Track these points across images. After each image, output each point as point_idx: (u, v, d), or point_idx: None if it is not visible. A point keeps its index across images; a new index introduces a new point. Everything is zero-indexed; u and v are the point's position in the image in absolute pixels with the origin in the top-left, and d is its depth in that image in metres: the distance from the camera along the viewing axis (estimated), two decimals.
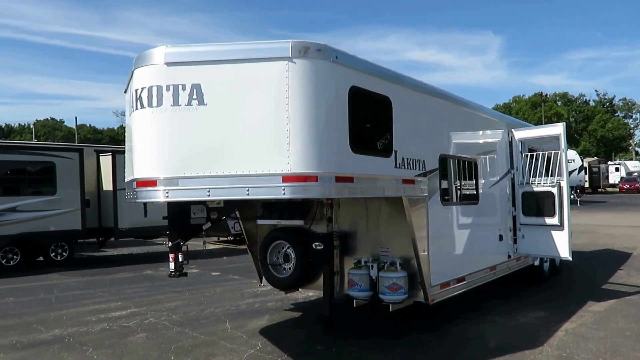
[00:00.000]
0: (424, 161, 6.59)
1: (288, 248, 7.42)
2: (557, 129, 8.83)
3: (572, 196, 34.43)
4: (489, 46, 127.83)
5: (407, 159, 6.25)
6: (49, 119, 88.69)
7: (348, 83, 5.25)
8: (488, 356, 6.03)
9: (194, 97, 4.90)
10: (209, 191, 4.88)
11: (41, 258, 14.31)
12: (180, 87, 4.92)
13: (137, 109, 5.14)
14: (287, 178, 4.80)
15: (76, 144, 22.62)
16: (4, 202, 13.23)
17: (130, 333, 7.16)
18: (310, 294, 9.13)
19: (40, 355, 6.26)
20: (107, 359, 6.11)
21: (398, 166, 6.05)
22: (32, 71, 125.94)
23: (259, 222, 7.69)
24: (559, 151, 8.77)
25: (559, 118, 75.09)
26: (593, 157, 57.34)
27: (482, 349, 6.31)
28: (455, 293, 7.29)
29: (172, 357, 6.10)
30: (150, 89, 5.02)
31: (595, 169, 49.58)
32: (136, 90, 5.14)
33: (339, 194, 5.20)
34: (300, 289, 7.89)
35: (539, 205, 8.93)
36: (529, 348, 6.31)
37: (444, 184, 7.11)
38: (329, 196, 5.15)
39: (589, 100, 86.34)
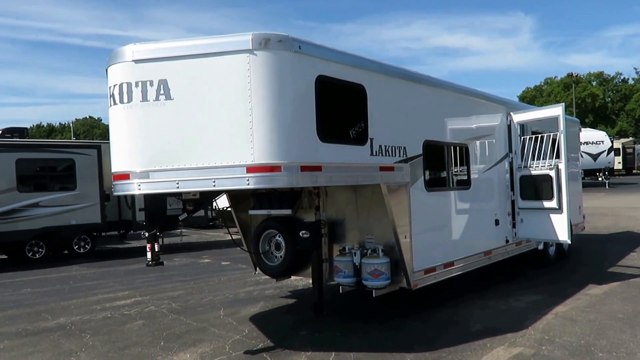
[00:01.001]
0: (404, 148, 6.62)
1: (278, 237, 7.58)
2: (556, 111, 8.68)
3: (600, 178, 33.58)
4: (520, 27, 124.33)
5: (386, 147, 6.30)
6: (88, 117, 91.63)
7: (314, 72, 5.33)
8: (468, 339, 6.06)
9: (161, 92, 5.08)
10: (177, 183, 5.06)
11: (66, 251, 14.95)
12: (148, 83, 5.11)
13: (111, 105, 5.36)
14: (251, 169, 4.94)
15: (95, 140, 23.30)
16: (27, 198, 13.81)
17: (129, 320, 7.47)
18: (310, 281, 9.27)
19: (40, 342, 6.61)
20: (102, 344, 6.41)
21: (375, 154, 6.10)
22: (71, 72, 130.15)
23: (251, 212, 7.83)
24: (558, 133, 8.62)
25: (593, 99, 72.77)
26: (629, 137, 55.41)
27: (463, 333, 6.35)
28: (443, 278, 7.32)
29: (162, 343, 6.36)
30: (121, 86, 5.22)
31: (629, 150, 48.06)
32: (110, 88, 5.36)
33: (306, 183, 5.32)
34: (292, 277, 8.03)
35: (537, 188, 8.83)
36: (512, 331, 6.32)
37: (429, 170, 7.13)
38: (295, 185, 5.25)
39: (627, 79, 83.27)
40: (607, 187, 33.36)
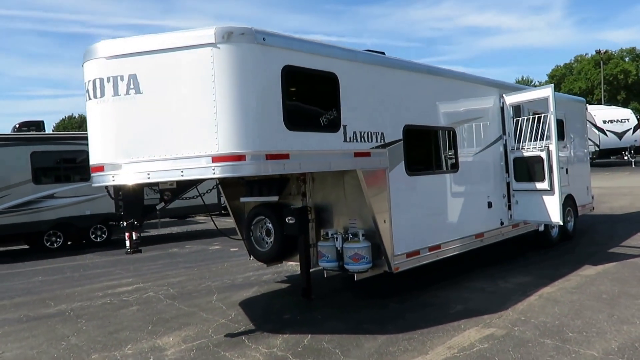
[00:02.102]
0: (382, 133, 6.69)
1: (268, 223, 7.76)
2: (546, 92, 8.58)
3: (625, 157, 32.79)
4: (552, 4, 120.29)
5: (361, 133, 6.38)
6: None
7: (280, 63, 5.44)
8: (444, 321, 6.15)
9: (132, 86, 5.28)
10: (148, 174, 5.28)
11: (85, 241, 15.49)
12: (119, 78, 5.31)
13: (87, 100, 5.59)
14: (216, 158, 5.11)
15: None
16: (42, 190, 14.35)
17: (125, 306, 7.78)
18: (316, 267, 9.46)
19: (37, 327, 6.97)
20: (93, 329, 6.72)
21: (348, 140, 6.19)
22: None
23: (242, 199, 8.03)
24: (548, 114, 8.53)
25: (626, 75, 70.50)
26: None
27: (442, 314, 6.44)
28: (428, 261, 7.40)
29: (150, 327, 6.63)
30: (94, 82, 5.44)
31: None
32: (85, 83, 5.58)
33: (273, 171, 5.45)
34: (284, 262, 8.21)
35: (529, 170, 8.79)
36: (490, 312, 6.38)
37: (411, 155, 7.17)
38: (262, 173, 5.39)
39: None
40: (633, 165, 32.58)
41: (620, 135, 32.33)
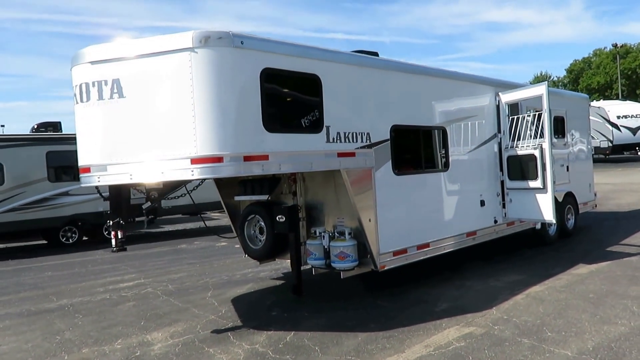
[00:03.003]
0: (368, 133, 6.77)
1: (261, 221, 7.91)
2: (540, 90, 8.55)
3: (639, 153, 32.21)
4: None
5: (345, 133, 6.47)
6: None
7: (259, 66, 5.56)
8: (427, 319, 6.23)
9: (115, 91, 5.47)
10: (131, 175, 5.46)
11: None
12: (103, 82, 5.51)
13: (75, 104, 5.80)
14: (194, 160, 5.27)
15: None
16: (57, 188, 14.81)
17: (123, 302, 8.02)
18: (309, 265, 9.60)
19: (36, 321, 7.24)
20: (89, 324, 6.97)
21: (332, 140, 6.30)
22: None
23: (236, 198, 8.21)
24: (542, 112, 8.50)
25: None
26: None
27: (426, 312, 6.51)
28: (416, 259, 7.47)
29: (142, 323, 6.85)
30: (81, 86, 5.65)
31: None
32: (73, 87, 5.78)
33: (253, 172, 5.59)
34: (276, 259, 8.35)
35: (523, 168, 8.78)
36: (474, 311, 6.44)
37: (398, 154, 7.23)
38: (241, 174, 5.54)
39: None
40: None
41: (634, 130, 31.72)
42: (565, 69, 76.72)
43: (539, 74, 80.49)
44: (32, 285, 9.82)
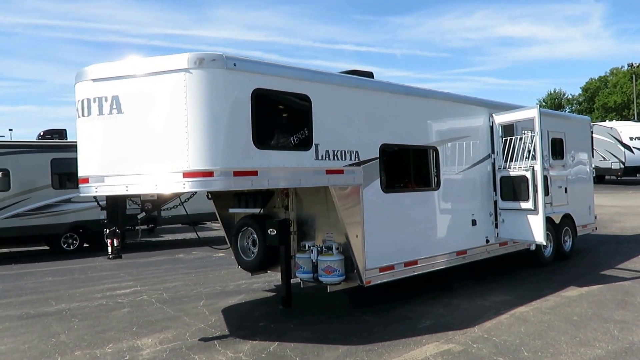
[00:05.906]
0: (357, 152, 7.00)
1: (253, 234, 8.14)
2: (532, 112, 8.74)
3: None
4: (589, 15, 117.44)
5: (334, 151, 6.70)
6: None
7: (251, 86, 5.82)
8: (408, 335, 6.38)
9: (114, 107, 5.75)
10: (127, 187, 5.73)
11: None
12: (103, 99, 5.80)
13: (77, 117, 6.09)
14: (187, 174, 5.53)
15: None
16: (60, 194, 15.12)
17: (118, 308, 8.26)
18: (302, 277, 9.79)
19: (34, 325, 7.49)
20: (84, 328, 7.20)
21: (320, 158, 6.53)
22: None
23: (231, 210, 8.46)
24: (534, 134, 8.68)
25: None
26: None
27: (409, 328, 6.66)
28: (403, 276, 7.63)
29: (134, 328, 7.07)
30: (83, 101, 5.95)
31: None
32: (75, 102, 6.08)
33: (241, 186, 5.84)
34: (267, 271, 8.55)
35: (515, 189, 8.94)
36: (456, 329, 6.58)
37: (387, 172, 7.44)
38: (230, 189, 5.78)
39: None
40: None
41: None
42: (580, 87, 76.67)
43: (552, 91, 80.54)
44: (32, 289, 10.09)
